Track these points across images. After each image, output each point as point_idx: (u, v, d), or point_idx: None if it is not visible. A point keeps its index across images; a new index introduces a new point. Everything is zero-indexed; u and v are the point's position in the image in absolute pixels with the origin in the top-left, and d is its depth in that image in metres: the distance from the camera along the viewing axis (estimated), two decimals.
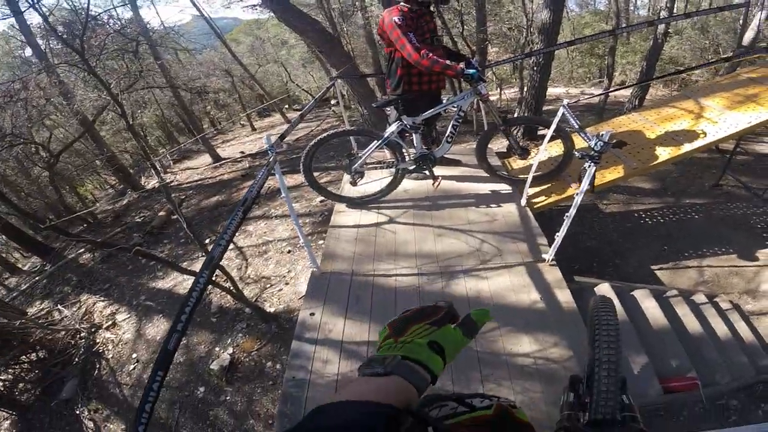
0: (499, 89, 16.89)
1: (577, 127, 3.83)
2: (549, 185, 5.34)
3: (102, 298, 7.49)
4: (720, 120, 5.55)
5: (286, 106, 23.89)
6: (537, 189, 5.31)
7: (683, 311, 4.80)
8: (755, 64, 7.60)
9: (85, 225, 11.05)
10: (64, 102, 11.61)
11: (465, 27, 13.44)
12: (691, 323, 4.66)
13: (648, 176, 8.43)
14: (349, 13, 17.69)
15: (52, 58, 11.60)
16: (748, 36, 11.39)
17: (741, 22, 7.55)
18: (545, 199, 5.19)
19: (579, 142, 5.26)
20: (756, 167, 8.79)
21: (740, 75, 6.83)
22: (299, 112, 4.36)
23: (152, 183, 13.64)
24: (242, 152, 14.87)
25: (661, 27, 11.30)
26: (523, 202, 5.00)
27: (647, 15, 21.30)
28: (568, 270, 4.24)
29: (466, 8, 14.31)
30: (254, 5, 17.34)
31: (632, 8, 24.26)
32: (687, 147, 5.28)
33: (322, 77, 23.69)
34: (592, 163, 3.44)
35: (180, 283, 7.22)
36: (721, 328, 4.79)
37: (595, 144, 3.36)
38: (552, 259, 4.07)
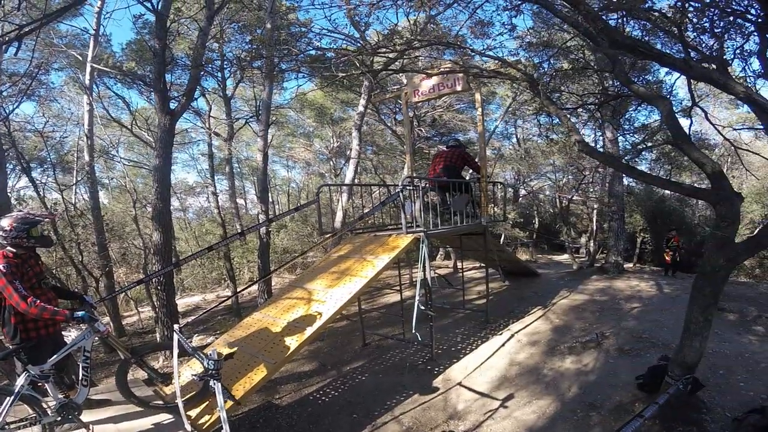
0: (136, 309, 16.42)
1: (191, 351, 4.00)
2: (208, 401, 5.21)
3: None
4: (327, 299, 6.47)
5: None
6: (198, 409, 5.15)
7: None
8: (341, 242, 9.04)
9: None
10: None
11: (85, 255, 12.98)
12: None
13: (302, 359, 8.92)
14: None
15: None
16: (338, 217, 13.66)
17: (318, 213, 9.25)
18: (210, 417, 5.03)
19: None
20: (388, 317, 10.04)
21: (332, 255, 8.19)
22: None
23: None
24: None
25: (262, 229, 12.78)
26: (188, 427, 4.78)
27: (254, 215, 23.69)
28: None
29: (84, 235, 13.95)
30: None
31: (243, 211, 26.71)
32: (309, 330, 5.91)
33: None
34: (215, 381, 3.60)
35: None
36: None
37: (208, 363, 3.56)
38: None
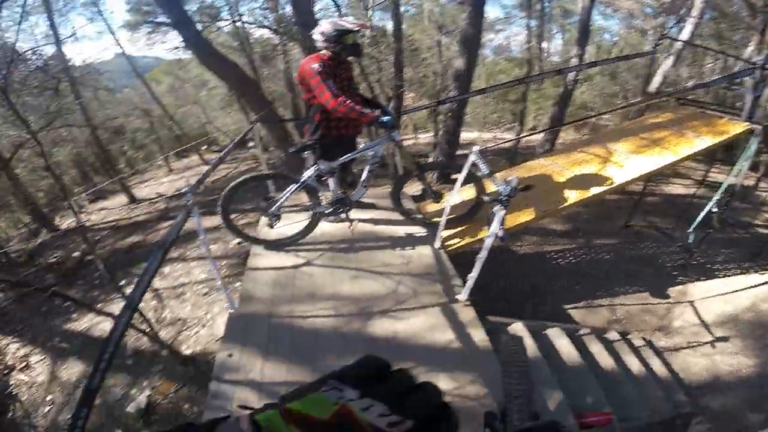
0: (414, 134, 17.24)
1: (487, 172, 4.00)
2: (462, 228, 5.46)
3: (15, 340, 7.11)
4: (626, 163, 5.85)
5: (204, 147, 23.50)
6: (451, 231, 5.41)
7: (597, 349, 4.94)
8: (661, 109, 8.09)
9: None
10: None
11: (382, 73, 13.65)
12: (605, 360, 4.80)
13: (560, 218, 8.76)
14: (270, 57, 17.78)
15: None
16: (656, 81, 12.07)
17: (648, 68, 8.07)
18: (459, 242, 5.30)
19: (491, 186, 5.50)
20: (664, 207, 9.30)
21: (647, 120, 7.24)
22: (217, 154, 4.37)
23: (67, 223, 13.08)
24: (159, 194, 14.43)
25: (571, 74, 11.83)
26: (437, 244, 5.12)
27: (560, 62, 22.33)
28: (483, 310, 4.35)
29: (383, 55, 14.59)
30: (177, 47, 17.20)
31: (545, 55, 25.50)
32: (594, 190, 5.51)
33: (240, 119, 23.27)
34: (501, 207, 3.59)
35: (95, 325, 6.95)
36: (635, 365, 4.96)
37: (504, 189, 3.51)
38: (466, 300, 4.18)
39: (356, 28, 4.53)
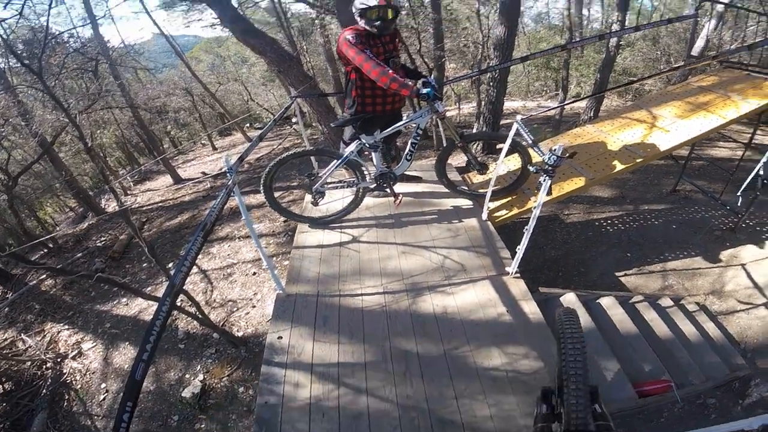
0: (457, 104, 17.03)
1: (531, 141, 3.91)
2: (509, 198, 5.40)
3: (66, 327, 7.25)
4: (672, 129, 5.71)
5: (247, 125, 23.64)
6: (498, 203, 5.37)
7: (650, 316, 4.92)
8: (705, 73, 7.82)
9: (45, 250, 10.66)
10: (22, 123, 11.31)
11: (422, 44, 13.46)
12: (660, 327, 4.77)
13: (607, 185, 8.63)
14: (308, 31, 17.68)
15: (11, 77, 11.38)
16: (698, 45, 11.69)
17: (690, 32, 7.82)
18: (506, 213, 5.24)
19: (536, 155, 5.40)
20: (711, 171, 9.06)
21: (691, 84, 7.03)
22: (260, 131, 4.34)
23: (113, 206, 13.34)
24: (203, 173, 14.62)
25: (613, 40, 11.50)
26: (485, 216, 5.05)
27: (600, 28, 21.81)
28: (533, 281, 4.29)
29: (423, 26, 14.39)
30: (213, 24, 17.20)
31: (585, 22, 24.80)
32: (641, 156, 5.39)
33: (282, 95, 23.42)
34: (547, 177, 3.51)
35: (145, 309, 7.06)
36: (689, 330, 4.92)
37: (549, 158, 3.42)
38: (516, 272, 4.14)
39: (378, 4, 4.40)
